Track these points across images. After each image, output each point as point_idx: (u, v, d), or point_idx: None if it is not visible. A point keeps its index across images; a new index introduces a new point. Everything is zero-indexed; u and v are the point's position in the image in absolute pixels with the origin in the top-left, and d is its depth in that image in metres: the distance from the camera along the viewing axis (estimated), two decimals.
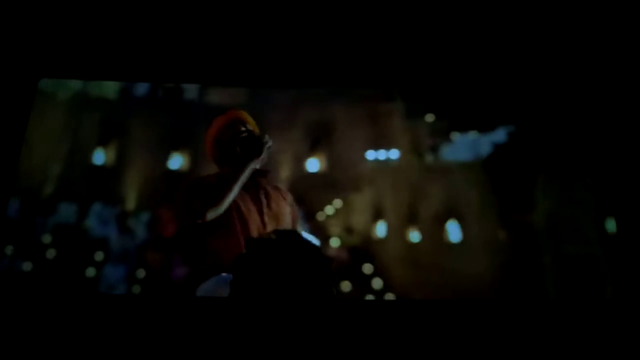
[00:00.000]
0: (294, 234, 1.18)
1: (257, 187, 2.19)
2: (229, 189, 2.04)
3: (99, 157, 3.10)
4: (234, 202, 2.11)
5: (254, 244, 1.11)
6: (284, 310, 1.04)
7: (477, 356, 2.48)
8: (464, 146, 3.03)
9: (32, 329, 2.57)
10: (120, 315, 2.64)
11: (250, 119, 2.33)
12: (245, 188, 2.16)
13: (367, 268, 2.88)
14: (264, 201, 2.17)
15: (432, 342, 2.46)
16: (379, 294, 2.83)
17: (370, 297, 2.83)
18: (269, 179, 2.31)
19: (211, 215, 2.01)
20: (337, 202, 3.02)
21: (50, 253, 2.89)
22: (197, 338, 2.35)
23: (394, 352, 2.38)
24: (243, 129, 2.29)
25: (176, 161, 3.10)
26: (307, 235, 2.35)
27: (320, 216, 2.93)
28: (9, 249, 2.86)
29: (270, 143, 2.21)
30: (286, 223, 2.17)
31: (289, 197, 2.31)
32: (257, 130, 2.37)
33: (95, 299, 2.81)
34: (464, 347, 2.48)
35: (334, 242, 2.94)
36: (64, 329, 2.57)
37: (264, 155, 2.19)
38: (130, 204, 3.03)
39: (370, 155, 3.10)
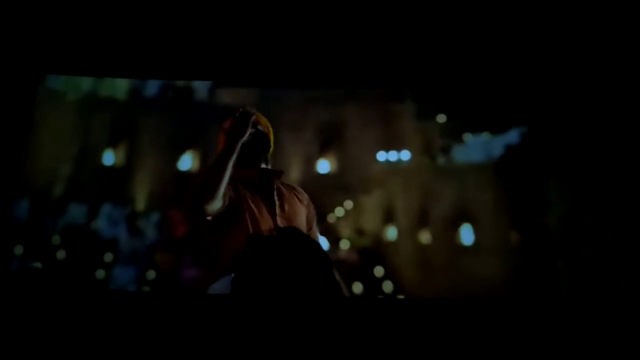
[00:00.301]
0: (294, 232, 1.16)
1: (270, 188, 2.12)
2: (219, 176, 1.95)
3: (109, 157, 3.10)
4: (246, 204, 2.05)
5: (254, 241, 1.10)
6: (284, 306, 1.03)
7: (488, 356, 2.46)
8: (476, 147, 3.01)
9: (38, 325, 2.57)
10: (123, 312, 2.63)
11: (262, 119, 2.27)
12: (258, 189, 2.10)
13: (378, 271, 2.86)
14: (277, 202, 2.10)
15: (435, 342, 2.43)
16: (390, 297, 2.81)
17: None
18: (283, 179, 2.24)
19: (211, 207, 1.93)
20: (348, 204, 3.01)
21: (60, 254, 2.89)
22: (198, 334, 2.34)
23: (393, 350, 2.35)
24: (252, 130, 2.23)
25: (186, 162, 3.10)
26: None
27: (330, 218, 2.92)
28: (18, 249, 2.86)
29: (254, 116, 2.09)
30: (301, 225, 2.10)
31: (305, 198, 2.22)
32: (268, 130, 2.31)
33: (102, 296, 2.80)
34: (471, 347, 2.46)
35: (344, 244, 2.93)
36: (69, 324, 2.56)
37: (250, 130, 2.07)
38: (140, 204, 3.02)
39: (381, 156, 3.08)
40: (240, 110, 2.04)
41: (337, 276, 2.16)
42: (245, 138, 1.98)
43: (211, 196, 1.85)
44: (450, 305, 2.60)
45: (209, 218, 1.94)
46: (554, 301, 2.68)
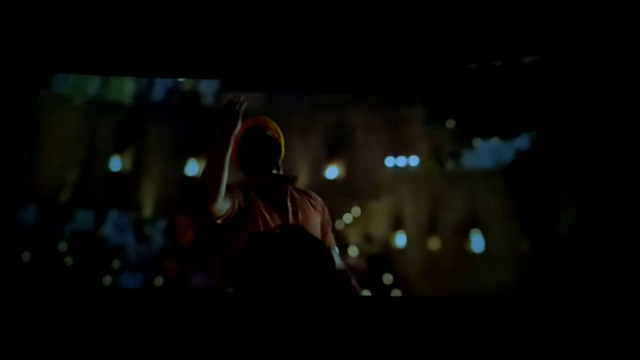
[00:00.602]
0: (298, 230, 1.15)
1: (283, 195, 2.08)
2: (217, 173, 1.88)
3: (116, 163, 3.09)
4: (259, 211, 2.01)
5: (257, 238, 1.09)
6: (285, 304, 1.02)
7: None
8: (486, 153, 2.97)
9: (44, 326, 2.59)
10: (119, 310, 2.65)
11: (272, 125, 2.21)
12: (270, 196, 2.06)
13: (387, 278, 2.84)
14: (290, 209, 2.06)
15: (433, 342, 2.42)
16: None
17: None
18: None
19: (217, 207, 1.88)
20: (356, 210, 2.98)
21: (67, 260, 2.89)
22: (200, 332, 2.34)
23: (390, 349, 2.34)
24: (259, 137, 2.18)
25: (193, 167, 3.08)
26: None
27: (338, 224, 2.89)
28: (26, 256, 2.86)
29: (243, 105, 1.96)
30: (315, 232, 2.04)
31: (319, 203, 2.16)
32: (278, 135, 2.27)
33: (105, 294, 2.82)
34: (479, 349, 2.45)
35: (353, 251, 2.91)
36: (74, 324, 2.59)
37: (239, 120, 1.97)
38: (147, 210, 3.01)
39: (390, 161, 3.05)
40: (227, 100, 1.93)
41: (355, 282, 2.14)
42: (237, 129, 1.90)
43: (213, 195, 1.81)
44: (459, 306, 2.58)
45: (219, 222, 1.91)
46: (565, 307, 2.65)
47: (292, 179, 2.12)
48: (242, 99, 1.90)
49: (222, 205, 1.87)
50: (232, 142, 1.88)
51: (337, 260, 2.09)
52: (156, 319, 2.61)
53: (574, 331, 2.54)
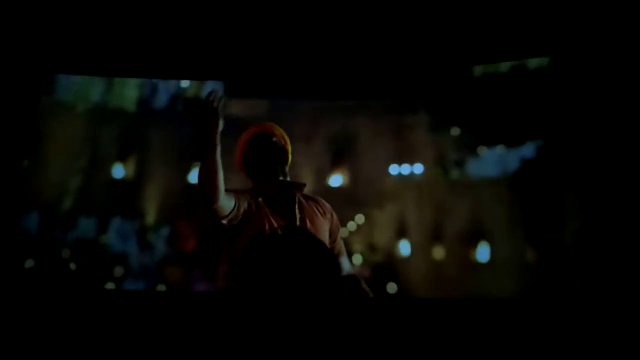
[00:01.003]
0: (301, 231, 1.14)
1: (292, 202, 2.07)
2: (211, 172, 1.87)
3: (118, 170, 3.08)
4: (266, 218, 2.01)
5: (259, 239, 1.08)
6: (286, 306, 1.02)
7: None
8: (491, 161, 2.95)
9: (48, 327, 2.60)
10: (117, 311, 2.65)
11: (278, 131, 2.19)
12: (278, 203, 2.05)
13: (391, 287, 2.83)
14: (298, 216, 2.06)
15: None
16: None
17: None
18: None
19: (221, 206, 1.83)
20: (360, 218, 2.97)
21: (70, 268, 2.89)
22: (201, 332, 2.33)
23: (392, 351, 2.33)
24: (264, 144, 2.18)
25: (196, 174, 3.08)
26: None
27: (342, 232, 2.88)
28: (29, 263, 2.86)
29: (222, 101, 1.90)
30: (324, 239, 2.03)
31: (328, 210, 2.13)
32: (285, 142, 2.25)
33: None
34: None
35: (356, 259, 2.90)
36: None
37: (220, 118, 1.92)
38: (150, 218, 3.01)
39: (394, 169, 3.04)
40: (204, 100, 1.80)
41: (365, 286, 2.14)
42: (220, 127, 1.79)
43: (213, 193, 1.79)
44: (462, 314, 2.57)
45: (224, 222, 1.90)
46: (570, 316, 2.64)
47: (300, 186, 2.12)
48: (219, 94, 1.87)
49: (226, 203, 1.87)
50: (219, 141, 1.85)
51: (347, 265, 2.10)
52: (158, 321, 2.61)
53: (579, 340, 2.53)
